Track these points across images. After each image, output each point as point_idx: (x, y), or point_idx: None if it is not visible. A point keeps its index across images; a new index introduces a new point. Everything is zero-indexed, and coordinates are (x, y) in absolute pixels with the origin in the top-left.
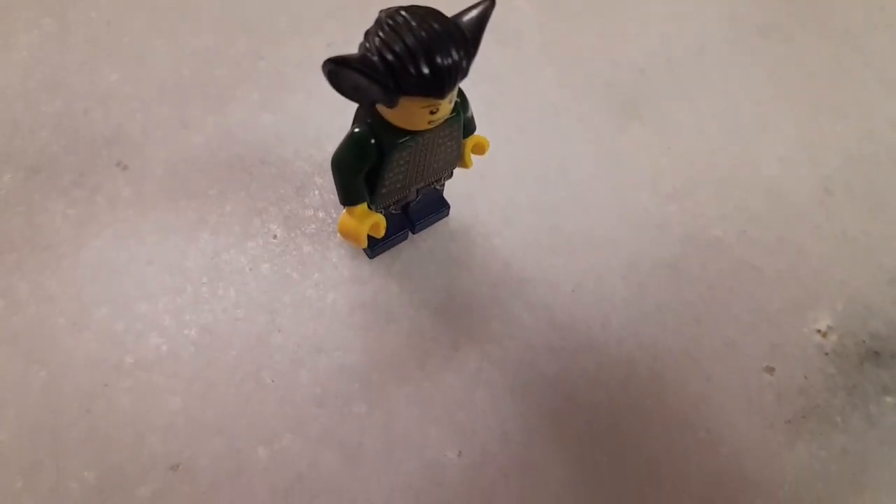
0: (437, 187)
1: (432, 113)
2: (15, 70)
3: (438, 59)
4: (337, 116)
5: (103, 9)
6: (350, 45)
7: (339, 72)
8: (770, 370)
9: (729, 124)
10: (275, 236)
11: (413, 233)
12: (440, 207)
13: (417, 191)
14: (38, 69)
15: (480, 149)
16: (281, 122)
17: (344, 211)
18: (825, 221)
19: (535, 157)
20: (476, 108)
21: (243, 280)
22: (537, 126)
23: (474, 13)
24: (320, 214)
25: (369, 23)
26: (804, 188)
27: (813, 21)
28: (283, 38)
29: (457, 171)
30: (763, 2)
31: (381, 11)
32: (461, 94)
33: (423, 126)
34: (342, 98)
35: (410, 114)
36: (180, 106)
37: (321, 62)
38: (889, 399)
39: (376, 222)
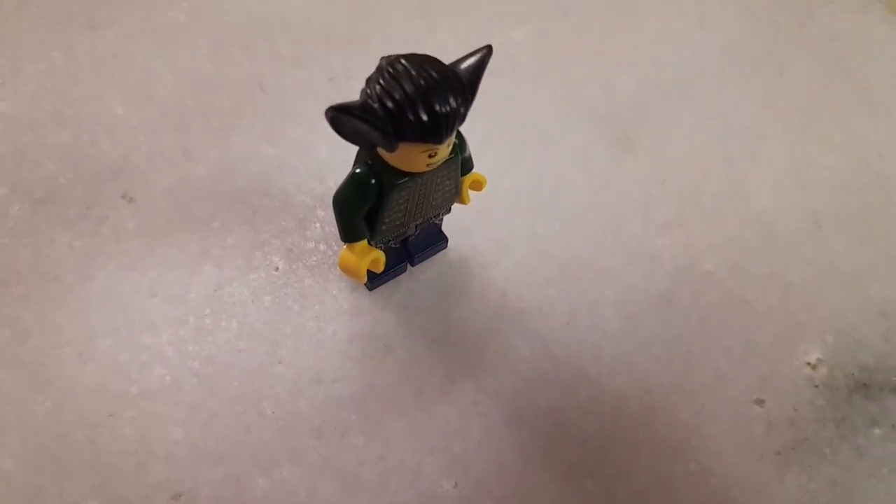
0: (436, 222)
1: (431, 157)
2: (23, 101)
3: (437, 107)
4: (338, 150)
5: (109, 41)
6: (351, 79)
7: (341, 119)
8: (760, 402)
9: (720, 154)
10: (277, 268)
11: (412, 265)
12: (438, 240)
13: (416, 226)
14: (46, 100)
15: (478, 185)
16: (283, 155)
17: (345, 247)
18: (815, 254)
19: (531, 187)
20: (472, 139)
21: (245, 312)
22: (532, 156)
23: (472, 60)
24: (321, 247)
25: (370, 55)
26: (795, 220)
27: (804, 51)
28: (286, 70)
29: (454, 205)
30: (754, 31)
31: (381, 58)
32: (459, 134)
33: (422, 168)
34: (333, 129)
35: (410, 157)
36: (184, 137)
37: (322, 95)
38: (877, 431)
39: (376, 258)
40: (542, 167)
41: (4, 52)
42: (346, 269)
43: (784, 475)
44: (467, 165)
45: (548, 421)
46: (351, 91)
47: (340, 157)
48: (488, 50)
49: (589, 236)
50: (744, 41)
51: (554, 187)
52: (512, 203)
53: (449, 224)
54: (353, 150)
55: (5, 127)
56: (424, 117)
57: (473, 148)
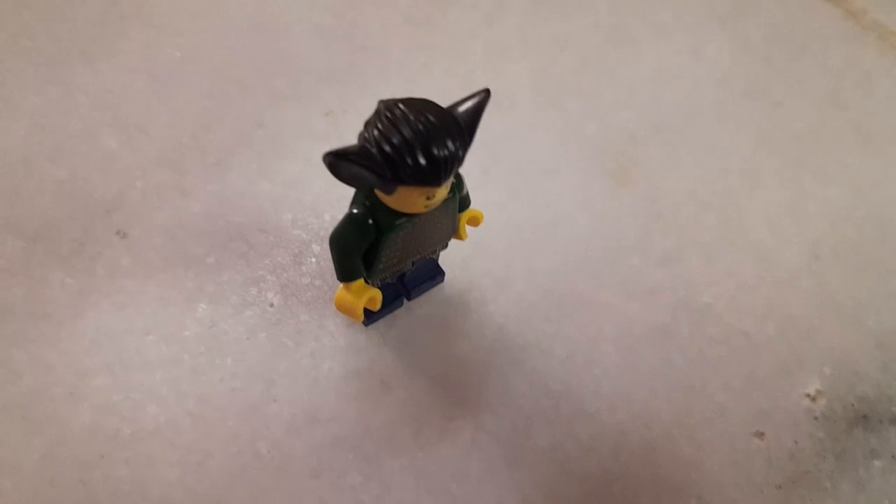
0: (433, 257)
1: (429, 198)
2: (17, 135)
3: (435, 151)
4: (334, 185)
5: (105, 77)
6: (348, 115)
7: (338, 164)
8: (760, 435)
9: (717, 188)
10: (272, 305)
11: (408, 299)
12: (435, 275)
13: (413, 263)
14: (41, 136)
15: (475, 221)
16: (278, 190)
17: (341, 286)
18: (813, 286)
19: (528, 221)
20: (469, 173)
21: (240, 349)
22: (530, 191)
23: (470, 104)
24: (317, 282)
25: (366, 91)
26: (792, 252)
27: (799, 84)
28: (282, 106)
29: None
30: (749, 66)
31: (380, 102)
32: (457, 174)
33: (420, 210)
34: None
35: (408, 200)
36: (179, 173)
37: (319, 130)
38: (877, 463)
39: (373, 297)
40: (539, 201)
41: None
42: (343, 309)
43: None
44: (465, 203)
45: (548, 459)
46: (347, 126)
47: (337, 192)
48: (486, 93)
49: (587, 270)
50: (739, 75)
51: (552, 221)
52: (509, 237)
53: (445, 258)
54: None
55: None
56: (422, 161)
57: (471, 182)
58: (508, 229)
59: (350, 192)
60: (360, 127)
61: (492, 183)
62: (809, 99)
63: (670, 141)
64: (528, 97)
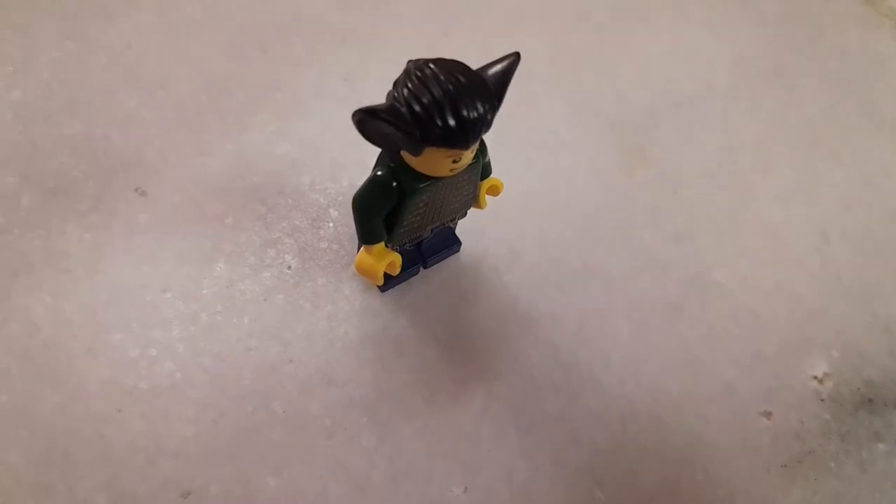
0: (451, 225)
1: (455, 162)
2: (36, 90)
3: (464, 112)
4: (352, 149)
5: (124, 32)
6: (365, 79)
7: (367, 121)
8: (767, 414)
9: (731, 167)
10: (289, 267)
11: (424, 267)
12: (452, 243)
13: (432, 229)
14: (59, 91)
15: (495, 190)
16: (297, 153)
17: (361, 248)
18: (822, 268)
19: (543, 193)
20: (488, 144)
21: (257, 309)
22: (545, 163)
23: (499, 67)
24: (334, 247)
25: (384, 56)
26: (802, 234)
27: (814, 67)
28: (301, 69)
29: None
30: (766, 46)
31: (409, 62)
32: (481, 140)
33: (445, 173)
34: (356, 132)
35: (434, 162)
36: (198, 132)
37: (338, 94)
38: (881, 446)
39: (393, 261)
40: (554, 174)
41: (17, 39)
42: (364, 271)
43: (789, 488)
44: (486, 170)
45: (557, 427)
46: (365, 91)
47: (354, 156)
48: (516, 57)
49: (600, 244)
50: (755, 56)
51: (566, 194)
52: (524, 208)
53: (462, 227)
54: (368, 148)
55: (18, 115)
56: (452, 122)
57: (488, 151)
58: (523, 200)
59: (369, 155)
60: (378, 92)
61: (507, 154)
62: (824, 82)
63: (685, 118)
64: (546, 69)
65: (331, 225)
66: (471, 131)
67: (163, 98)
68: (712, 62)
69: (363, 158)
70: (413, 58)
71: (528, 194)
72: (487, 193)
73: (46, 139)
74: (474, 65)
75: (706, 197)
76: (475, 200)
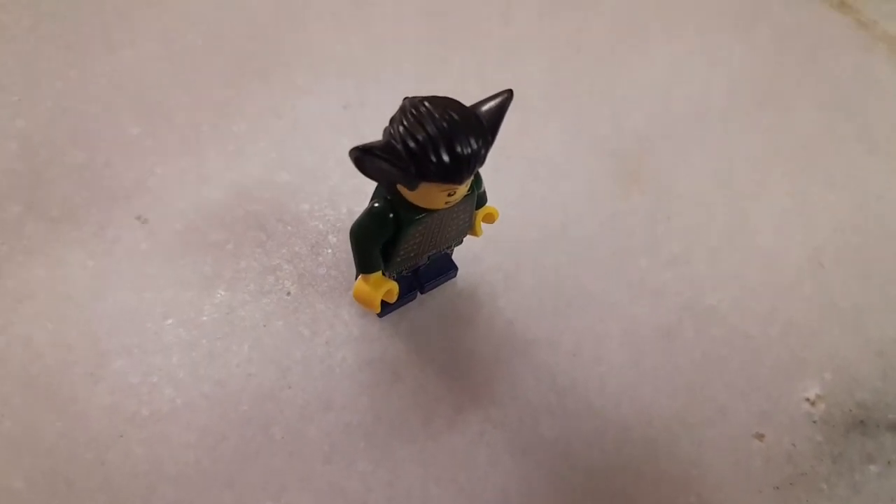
0: (447, 252)
1: (450, 195)
2: (40, 119)
3: (458, 149)
4: (351, 177)
5: (127, 62)
6: (365, 107)
7: (364, 159)
8: (760, 436)
9: (726, 192)
10: (288, 293)
11: (421, 293)
12: (448, 269)
13: (429, 257)
14: (63, 119)
15: (490, 218)
16: (297, 180)
17: (359, 277)
18: (816, 291)
19: (540, 219)
20: (483, 170)
21: (257, 336)
22: (541, 189)
23: (493, 104)
24: (333, 273)
25: (384, 84)
26: (796, 258)
27: (808, 91)
28: (301, 96)
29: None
30: (760, 70)
31: (405, 99)
32: (476, 172)
33: (440, 206)
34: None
35: (429, 195)
36: (199, 160)
37: (337, 122)
38: (873, 468)
39: (390, 289)
40: (550, 199)
41: (22, 69)
42: (361, 300)
43: None
44: (482, 200)
45: (552, 451)
46: (364, 119)
47: (353, 184)
48: (509, 94)
49: (596, 269)
50: (749, 80)
51: (562, 219)
52: (520, 234)
53: (458, 253)
54: (366, 178)
55: (22, 144)
56: (446, 158)
57: (484, 178)
58: (520, 226)
59: (368, 183)
60: (377, 120)
61: (504, 180)
62: (817, 106)
63: (680, 143)
64: (543, 96)
65: (329, 251)
66: (465, 167)
67: (164, 126)
68: (707, 87)
69: (362, 186)
70: (412, 88)
71: (525, 220)
72: (483, 221)
73: (50, 168)
74: (472, 93)
75: (700, 221)
76: (471, 229)
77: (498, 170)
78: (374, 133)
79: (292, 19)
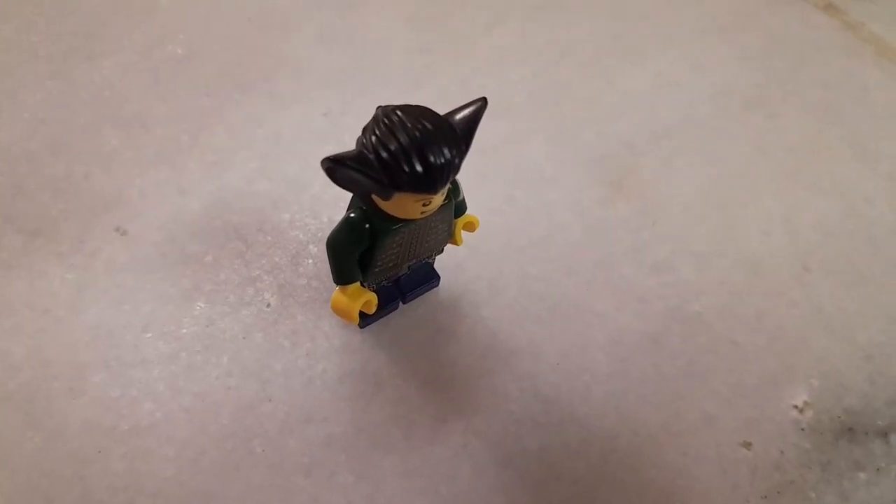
0: (429, 261)
1: (425, 205)
2: (18, 131)
3: (431, 158)
4: (332, 185)
5: (106, 72)
6: (346, 115)
7: (336, 169)
8: (747, 445)
9: (712, 198)
10: (268, 305)
11: (403, 303)
12: (430, 279)
13: (409, 266)
14: (42, 131)
15: (471, 227)
16: (277, 190)
17: (337, 288)
18: (803, 297)
19: (523, 227)
20: (466, 177)
21: (236, 348)
22: (526, 197)
23: (467, 112)
24: (314, 283)
25: (366, 91)
26: (784, 263)
27: (796, 96)
28: (282, 106)
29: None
30: (747, 76)
31: (378, 108)
32: (453, 180)
33: (416, 216)
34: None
35: (404, 205)
36: (179, 171)
37: (318, 130)
38: (862, 475)
39: (368, 300)
40: (534, 208)
41: (0, 79)
42: (339, 311)
43: None
44: (461, 209)
45: (537, 462)
46: (346, 126)
47: (334, 192)
48: (483, 102)
49: (580, 278)
50: (736, 86)
51: (546, 228)
52: (504, 242)
53: (441, 262)
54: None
55: (1, 156)
56: (419, 168)
57: (466, 187)
58: (503, 235)
59: (347, 192)
60: (358, 128)
61: (488, 188)
62: (805, 111)
63: (666, 150)
64: (527, 103)
65: (310, 262)
66: (438, 177)
67: (144, 137)
68: (693, 94)
69: (343, 195)
70: (395, 96)
71: (509, 228)
72: (464, 230)
73: (29, 180)
74: (456, 102)
75: (686, 228)
76: (451, 238)
77: (483, 177)
78: (354, 145)
79: (272, 28)
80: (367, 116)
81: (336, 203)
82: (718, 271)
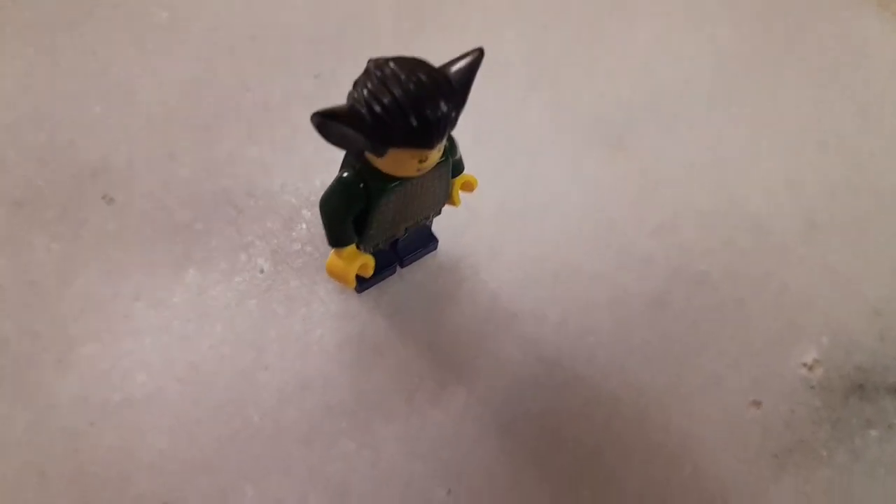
0: (426, 224)
1: (421, 161)
2: None
3: (427, 112)
4: (325, 150)
5: (88, 38)
6: (338, 76)
7: (327, 124)
8: (756, 404)
9: (714, 158)
10: (262, 271)
11: (401, 267)
12: (428, 242)
13: (406, 229)
14: (23, 100)
15: (469, 187)
16: (267, 155)
17: (332, 251)
18: (809, 255)
19: (523, 190)
20: (464, 142)
21: (230, 316)
22: (523, 159)
23: (463, 63)
24: (308, 248)
25: (357, 53)
26: (789, 221)
27: (796, 55)
28: (270, 69)
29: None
30: (748, 37)
31: (369, 61)
32: (450, 137)
33: (412, 173)
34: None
35: (399, 162)
36: (166, 137)
37: (308, 94)
38: (873, 432)
39: (365, 263)
40: (533, 170)
41: None
42: (334, 275)
43: (780, 478)
44: (458, 167)
45: (540, 426)
46: (337, 89)
47: (327, 156)
48: (480, 53)
49: (581, 239)
50: (737, 46)
51: (545, 189)
52: (503, 205)
53: (439, 226)
54: (339, 150)
55: None
56: (414, 123)
57: (463, 150)
58: (501, 197)
59: (340, 154)
60: (349, 89)
61: (485, 151)
62: (807, 68)
63: (666, 112)
64: (523, 66)
65: (303, 226)
66: (435, 131)
67: (129, 103)
68: (693, 54)
69: (335, 157)
70: (385, 55)
71: (506, 191)
72: (462, 190)
73: (9, 149)
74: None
75: (688, 189)
76: (448, 198)
77: (480, 142)
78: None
79: None
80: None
81: (328, 167)
82: (723, 230)
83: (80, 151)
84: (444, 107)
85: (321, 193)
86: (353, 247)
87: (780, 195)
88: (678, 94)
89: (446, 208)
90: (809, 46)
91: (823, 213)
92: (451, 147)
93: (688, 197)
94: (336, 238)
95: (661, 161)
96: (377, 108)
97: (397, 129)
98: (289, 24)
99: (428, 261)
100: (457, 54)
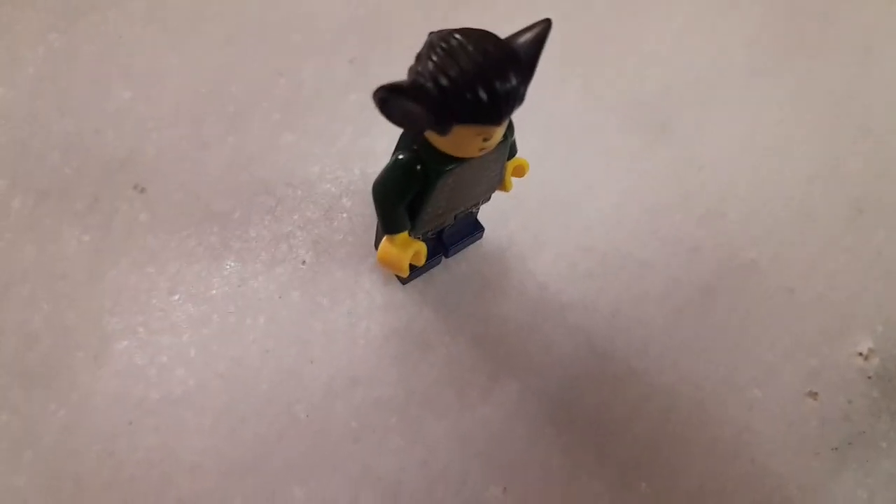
0: (474, 211)
1: (485, 140)
2: (22, 87)
3: (497, 85)
4: (362, 136)
5: (113, 23)
6: (372, 61)
7: (390, 100)
8: (813, 395)
9: (754, 144)
10: (303, 262)
11: (446, 257)
12: (474, 230)
13: (455, 216)
14: (46, 87)
15: (520, 171)
16: (303, 142)
17: (384, 238)
18: (858, 241)
19: (566, 177)
20: None
21: (272, 309)
22: (566, 146)
23: (530, 35)
24: (350, 239)
25: (390, 36)
26: (835, 208)
27: (834, 39)
28: (303, 54)
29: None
30: (784, 19)
31: (431, 33)
32: None
33: (474, 153)
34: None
35: (462, 141)
36: (197, 125)
37: (344, 79)
38: None
39: (418, 250)
40: (574, 156)
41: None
42: (388, 263)
43: (841, 471)
44: (513, 150)
45: (595, 420)
46: (372, 75)
47: (364, 144)
48: (547, 24)
49: (627, 228)
50: (773, 30)
51: (588, 178)
52: (545, 193)
53: (482, 213)
54: (379, 134)
55: (4, 115)
56: (483, 97)
57: None
58: (543, 185)
59: (378, 141)
60: (386, 75)
61: (525, 138)
62: (844, 51)
63: (705, 97)
64: (559, 51)
65: (344, 216)
66: (504, 105)
67: (158, 90)
68: (729, 37)
69: (374, 144)
70: (418, 42)
71: (548, 179)
72: (513, 175)
73: (35, 138)
74: None
75: (731, 174)
76: (501, 182)
77: (519, 128)
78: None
79: None
80: (395, 62)
81: (367, 154)
82: (767, 218)
83: (108, 139)
84: (513, 80)
85: (361, 182)
86: (405, 234)
87: (825, 180)
88: (717, 78)
89: (494, 194)
90: (846, 31)
91: (870, 199)
92: (510, 126)
93: (732, 183)
94: (390, 224)
95: (704, 147)
96: (444, 82)
97: (465, 104)
98: (320, 8)
99: (473, 249)
100: None
